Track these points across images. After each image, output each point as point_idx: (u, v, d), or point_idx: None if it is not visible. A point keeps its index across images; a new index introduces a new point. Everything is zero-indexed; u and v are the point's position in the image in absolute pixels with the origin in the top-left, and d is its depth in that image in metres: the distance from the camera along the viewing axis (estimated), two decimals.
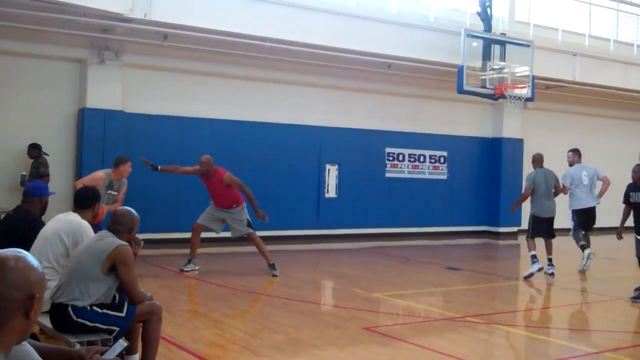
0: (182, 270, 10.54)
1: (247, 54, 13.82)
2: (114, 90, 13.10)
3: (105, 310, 4.99)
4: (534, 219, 11.47)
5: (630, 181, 9.67)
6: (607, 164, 19.38)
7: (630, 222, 9.66)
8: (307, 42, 13.67)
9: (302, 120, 15.33)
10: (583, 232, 12.02)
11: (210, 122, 14.15)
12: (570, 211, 12.28)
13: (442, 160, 17.44)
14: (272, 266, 10.53)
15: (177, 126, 13.82)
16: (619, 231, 9.77)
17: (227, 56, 13.85)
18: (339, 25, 14.01)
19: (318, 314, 8.37)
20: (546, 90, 17.74)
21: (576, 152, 12.67)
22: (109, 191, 9.38)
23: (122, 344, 3.50)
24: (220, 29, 12.69)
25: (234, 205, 10.47)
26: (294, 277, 10.61)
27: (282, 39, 13.38)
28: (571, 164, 12.54)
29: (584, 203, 12.04)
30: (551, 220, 11.55)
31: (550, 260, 11.47)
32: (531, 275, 10.95)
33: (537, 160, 11.75)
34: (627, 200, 9.57)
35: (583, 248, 11.81)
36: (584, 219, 12.04)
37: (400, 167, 16.77)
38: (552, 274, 11.33)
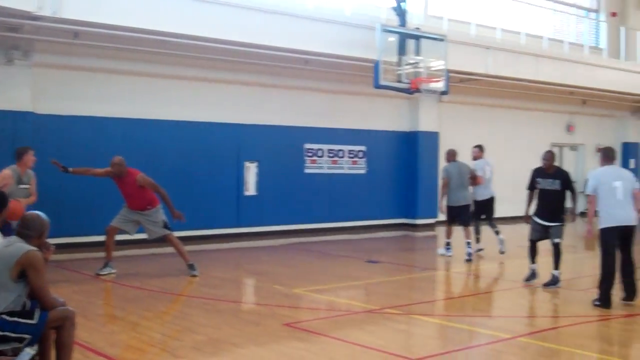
0: (98, 274, 10.28)
1: (160, 52, 13.59)
2: (22, 91, 12.63)
3: (15, 318, 4.83)
4: (447, 208, 12.53)
5: (536, 167, 9.95)
6: (520, 153, 20.06)
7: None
8: (222, 39, 13.54)
9: (219, 118, 15.16)
10: (477, 221, 13.12)
11: (124, 122, 13.82)
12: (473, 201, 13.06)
13: (360, 155, 17.59)
14: (191, 266, 10.39)
15: (89, 127, 13.44)
16: (526, 217, 10.00)
17: (140, 54, 13.57)
18: (255, 21, 13.93)
19: (238, 313, 8.32)
20: (460, 84, 18.11)
21: (480, 148, 13.55)
22: (20, 185, 9.19)
23: (28, 352, 3.39)
24: (132, 26, 12.44)
25: (148, 207, 10.27)
26: (213, 277, 10.50)
27: (197, 35, 13.22)
28: (475, 159, 13.40)
29: (486, 194, 13.04)
30: (463, 208, 12.41)
31: (468, 243, 12.27)
32: (444, 255, 12.54)
33: (451, 155, 12.68)
34: (532, 185, 9.82)
35: (497, 233, 12.94)
36: (484, 209, 13.03)
37: (320, 163, 16.83)
38: (469, 255, 12.14)
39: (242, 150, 15.48)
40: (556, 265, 9.65)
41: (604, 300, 8.31)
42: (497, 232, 12.97)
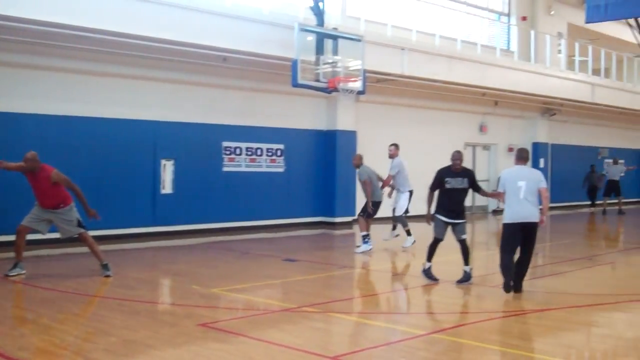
0: (7, 275, 9.93)
1: (77, 47, 13.29)
2: None
3: None
4: (374, 204, 13.32)
5: (442, 167, 10.17)
6: (434, 152, 20.47)
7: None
8: (139, 35, 13.33)
9: (135, 115, 14.90)
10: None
11: (37, 118, 13.40)
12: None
13: (279, 153, 17.61)
14: (104, 266, 10.18)
15: (1, 123, 12.98)
16: (429, 216, 10.15)
17: (55, 48, 13.20)
18: (172, 17, 13.76)
19: (154, 314, 8.20)
20: (377, 84, 18.37)
21: (397, 146, 14.10)
22: None
23: None
24: (47, 20, 12.11)
25: (61, 205, 10.00)
26: (129, 277, 10.31)
27: (113, 30, 12.98)
28: (392, 157, 13.96)
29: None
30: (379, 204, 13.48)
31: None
32: (363, 251, 13.10)
33: (359, 158, 13.61)
34: (440, 185, 9.98)
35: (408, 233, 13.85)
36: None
37: (238, 161, 16.75)
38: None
39: (158, 148, 15.25)
40: (466, 262, 9.91)
41: (507, 288, 9.06)
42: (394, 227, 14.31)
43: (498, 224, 20.77)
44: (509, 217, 9.04)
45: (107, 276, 10.06)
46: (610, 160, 26.92)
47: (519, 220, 8.92)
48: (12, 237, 10.23)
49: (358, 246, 13.38)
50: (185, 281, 10.18)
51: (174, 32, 13.75)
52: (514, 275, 9.07)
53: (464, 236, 9.91)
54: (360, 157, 13.62)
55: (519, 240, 9.02)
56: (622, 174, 26.10)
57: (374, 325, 7.72)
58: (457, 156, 10.02)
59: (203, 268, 11.51)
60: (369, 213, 13.25)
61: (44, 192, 9.93)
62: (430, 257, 10.10)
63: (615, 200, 24.87)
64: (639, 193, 31.96)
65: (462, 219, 9.93)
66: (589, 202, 26.36)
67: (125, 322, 7.41)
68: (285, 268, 11.52)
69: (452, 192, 9.89)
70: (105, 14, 12.80)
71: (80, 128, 13.97)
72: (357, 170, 13.51)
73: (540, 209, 9.05)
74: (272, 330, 7.30)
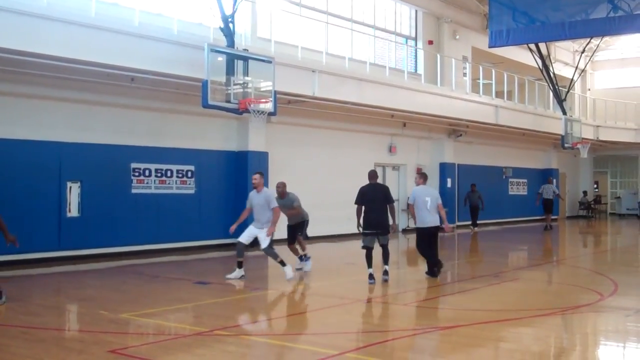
0: None
1: None
2: None
3: None
4: (291, 228, 13.83)
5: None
6: (344, 173, 20.73)
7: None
8: (44, 54, 12.93)
9: (39, 136, 14.44)
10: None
11: None
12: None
13: (189, 174, 17.39)
14: None
15: None
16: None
17: None
18: (78, 36, 13.41)
19: (60, 341, 7.91)
20: (288, 105, 18.45)
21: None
22: None
23: None
24: None
25: None
26: (33, 304, 9.92)
27: (16, 49, 12.53)
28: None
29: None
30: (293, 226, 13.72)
31: (301, 257, 13.53)
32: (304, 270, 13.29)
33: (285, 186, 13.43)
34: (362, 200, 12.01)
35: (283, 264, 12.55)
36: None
37: (147, 183, 16.44)
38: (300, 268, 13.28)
39: (64, 170, 14.81)
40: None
41: (429, 273, 12.51)
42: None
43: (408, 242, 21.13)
44: (420, 223, 12.42)
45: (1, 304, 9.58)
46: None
47: (427, 225, 12.33)
48: None
49: (299, 268, 13.28)
50: (93, 306, 9.86)
51: (79, 51, 13.39)
52: (429, 265, 12.52)
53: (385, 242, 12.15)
54: (285, 185, 13.40)
55: (427, 239, 12.45)
56: (557, 192, 27.35)
57: (287, 347, 7.68)
58: (373, 174, 12.43)
59: (112, 292, 11.20)
60: (305, 233, 13.74)
61: None
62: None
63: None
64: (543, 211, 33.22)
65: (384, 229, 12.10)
66: (469, 223, 25.82)
67: (31, 351, 7.13)
68: (197, 291, 11.34)
69: (373, 206, 11.99)
70: (9, 32, 12.35)
71: None
72: (288, 197, 13.22)
73: (441, 218, 12.56)
74: (184, 354, 7.17)
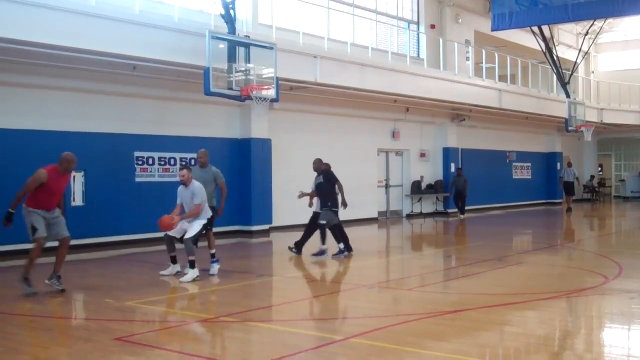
0: None
1: None
2: None
3: None
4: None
5: None
6: (348, 159, 20.70)
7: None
8: (46, 43, 12.91)
9: (42, 126, 14.43)
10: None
11: None
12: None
13: (193, 162, 17.35)
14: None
15: None
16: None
17: None
18: (79, 25, 13.39)
19: (67, 329, 7.95)
20: (290, 92, 18.40)
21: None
22: None
23: None
24: None
25: None
26: (40, 293, 9.94)
27: (17, 39, 12.51)
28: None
29: None
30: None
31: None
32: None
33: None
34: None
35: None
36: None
37: (151, 171, 16.46)
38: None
39: None
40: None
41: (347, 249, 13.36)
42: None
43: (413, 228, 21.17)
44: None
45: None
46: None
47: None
48: None
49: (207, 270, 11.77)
50: (99, 295, 9.90)
51: (80, 41, 13.37)
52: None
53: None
54: (206, 154, 12.62)
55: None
56: (577, 176, 27.50)
57: (293, 333, 7.69)
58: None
59: (117, 281, 11.24)
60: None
61: None
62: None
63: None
64: (547, 195, 33.22)
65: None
66: (455, 210, 25.03)
67: (37, 340, 7.17)
68: (202, 278, 11.36)
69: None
70: (10, 22, 12.34)
71: None
72: (210, 169, 12.52)
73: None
74: (189, 342, 7.19)
